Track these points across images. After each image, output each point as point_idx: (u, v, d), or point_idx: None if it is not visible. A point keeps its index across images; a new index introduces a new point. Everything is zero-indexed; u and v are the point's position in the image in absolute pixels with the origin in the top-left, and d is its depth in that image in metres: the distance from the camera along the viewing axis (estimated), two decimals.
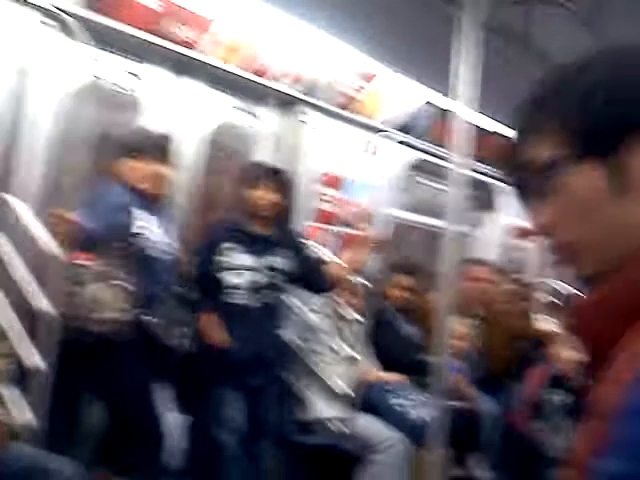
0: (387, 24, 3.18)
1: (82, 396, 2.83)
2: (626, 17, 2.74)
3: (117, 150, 2.99)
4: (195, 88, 3.72)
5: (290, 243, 3.48)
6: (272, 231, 3.39)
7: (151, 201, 2.99)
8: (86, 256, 2.65)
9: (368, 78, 4.10)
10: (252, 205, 3.34)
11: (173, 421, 3.16)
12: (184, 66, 3.60)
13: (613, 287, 0.74)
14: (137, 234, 2.85)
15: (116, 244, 2.74)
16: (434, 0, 3.01)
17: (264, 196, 3.33)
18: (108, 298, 2.66)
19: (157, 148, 3.02)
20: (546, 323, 4.80)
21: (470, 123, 2.55)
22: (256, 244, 3.34)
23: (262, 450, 3.41)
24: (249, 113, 4.01)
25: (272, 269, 3.35)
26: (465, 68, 2.47)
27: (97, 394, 2.84)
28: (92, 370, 2.69)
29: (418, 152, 4.72)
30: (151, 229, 2.91)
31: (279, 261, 3.38)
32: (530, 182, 0.82)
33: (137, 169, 2.94)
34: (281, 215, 3.42)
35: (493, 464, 3.98)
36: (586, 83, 0.78)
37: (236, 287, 3.26)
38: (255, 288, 3.29)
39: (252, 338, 3.24)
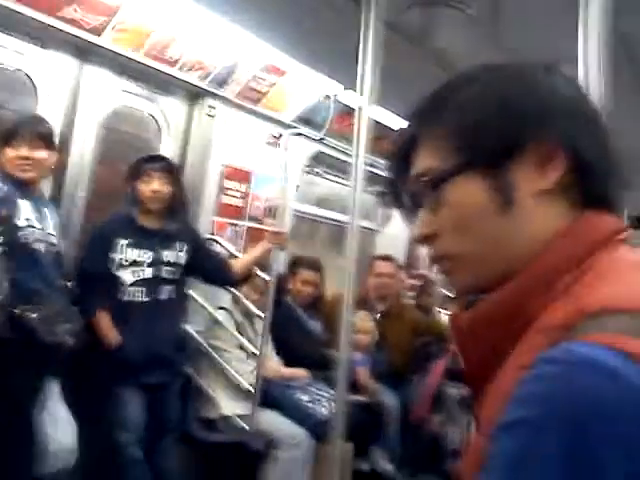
0: (297, 18, 3.16)
1: None
2: (524, 22, 2.83)
3: None
4: (99, 76, 3.57)
5: (187, 236, 3.42)
6: (166, 224, 3.33)
7: (32, 190, 2.85)
8: None
9: (277, 72, 4.07)
10: (144, 198, 3.27)
11: (61, 421, 3.02)
12: (88, 53, 3.45)
13: (496, 301, 0.74)
14: (17, 226, 2.69)
15: None
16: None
17: (155, 188, 3.27)
18: None
19: (32, 132, 2.84)
20: (446, 317, 4.93)
21: (372, 119, 2.56)
22: (150, 238, 3.28)
23: (163, 449, 3.34)
24: (151, 101, 3.89)
25: (168, 263, 3.29)
26: (366, 64, 2.49)
27: None
28: None
29: (321, 146, 4.74)
30: (33, 220, 2.76)
31: (175, 255, 3.33)
32: (415, 191, 0.82)
33: (13, 156, 2.78)
34: (175, 207, 3.36)
35: (395, 457, 4.05)
36: (472, 96, 0.78)
37: (130, 283, 3.18)
38: (150, 283, 3.23)
39: (149, 335, 3.17)
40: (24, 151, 2.79)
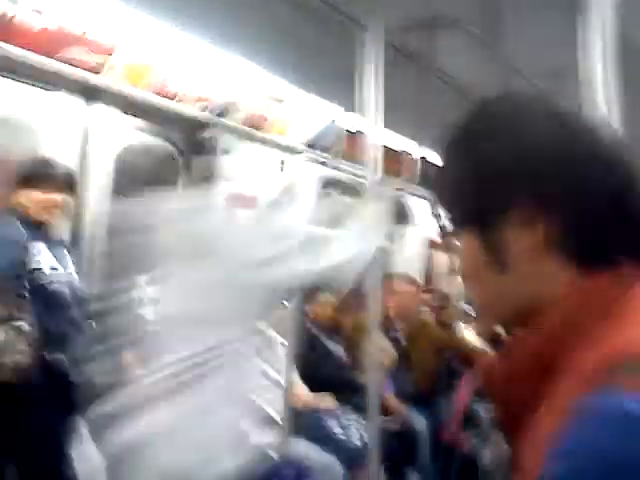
0: (295, 45, 3.19)
1: None
2: (527, 41, 2.84)
3: (12, 179, 2.81)
4: (104, 113, 3.59)
5: None
6: None
7: (49, 232, 2.85)
8: None
9: (280, 100, 4.09)
10: None
11: (95, 463, 3.00)
12: (91, 91, 3.47)
13: (527, 354, 0.74)
14: (36, 269, 2.67)
15: (14, 282, 2.57)
16: (338, 20, 3.05)
17: None
18: (9, 342, 2.48)
19: (60, 177, 2.87)
20: (468, 333, 4.88)
21: (377, 141, 2.57)
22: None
23: None
24: (159, 136, 3.91)
25: None
26: (369, 87, 2.49)
27: (7, 447, 2.61)
28: (2, 422, 2.50)
29: (329, 170, 4.74)
30: (52, 262, 2.75)
31: None
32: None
33: (37, 199, 2.77)
34: None
35: (428, 479, 3.98)
36: (468, 156, 0.79)
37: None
38: None
39: None
40: (52, 194, 2.79)
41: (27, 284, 2.61)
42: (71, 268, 2.86)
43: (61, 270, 2.78)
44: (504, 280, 0.77)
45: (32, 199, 2.77)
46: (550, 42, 3.12)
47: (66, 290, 2.77)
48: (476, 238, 0.78)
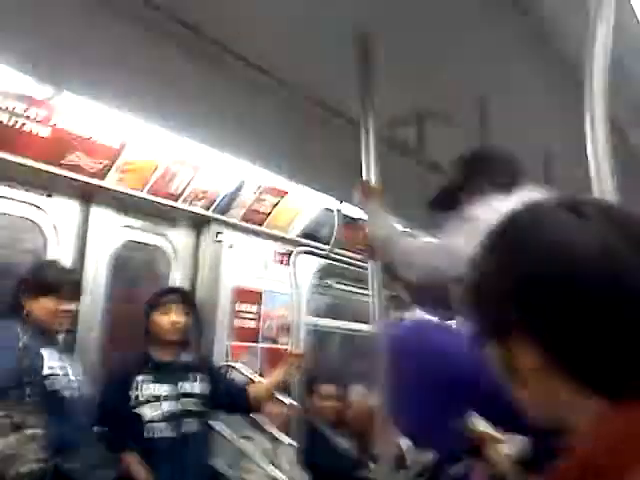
0: (289, 142, 3.28)
1: None
2: (514, 128, 2.93)
3: (20, 288, 2.82)
4: (102, 215, 3.63)
5: (203, 366, 3.44)
6: (181, 356, 3.35)
7: (54, 339, 2.86)
8: None
9: (278, 193, 4.17)
10: (161, 330, 3.31)
11: None
12: (93, 194, 3.53)
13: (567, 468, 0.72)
14: (48, 376, 2.66)
15: (26, 389, 2.55)
16: (336, 121, 3.16)
17: (174, 319, 3.32)
18: (25, 449, 2.45)
19: (72, 286, 2.92)
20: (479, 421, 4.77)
21: None
22: (167, 372, 3.27)
23: None
24: (159, 234, 3.95)
25: (187, 395, 3.26)
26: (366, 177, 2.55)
27: None
28: None
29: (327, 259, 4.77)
30: (57, 368, 2.73)
31: (192, 385, 3.31)
32: None
33: (51, 309, 2.79)
34: (189, 339, 3.43)
35: None
36: (482, 272, 0.83)
37: (154, 419, 3.13)
38: (173, 418, 3.17)
39: (178, 471, 3.09)
40: (66, 305, 2.83)
41: (39, 390, 2.60)
42: (73, 373, 2.83)
43: (64, 375, 2.76)
44: (520, 389, 0.79)
45: (46, 308, 2.79)
46: (537, 128, 3.22)
47: (70, 395, 2.74)
48: (496, 349, 0.80)
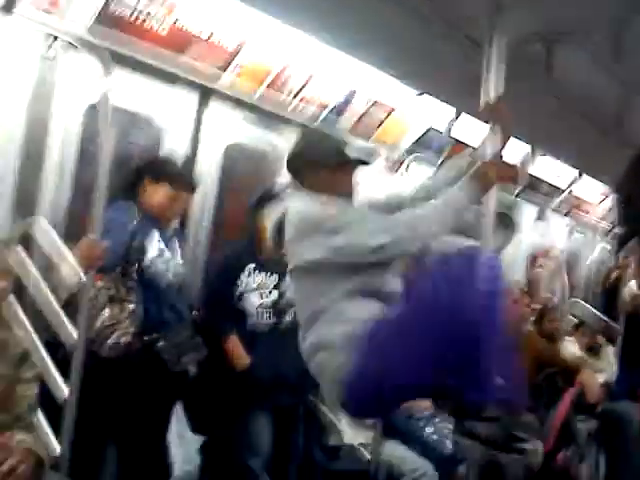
0: (413, 52, 3.19)
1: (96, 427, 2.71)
2: None
3: (137, 173, 2.93)
4: (220, 112, 3.71)
5: None
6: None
7: (165, 224, 2.96)
8: (99, 277, 2.62)
9: (389, 109, 4.14)
10: (263, 229, 3.32)
11: (190, 442, 3.12)
12: (209, 91, 3.61)
13: None
14: (153, 258, 2.81)
15: (129, 267, 2.72)
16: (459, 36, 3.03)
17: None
18: (116, 320, 2.64)
19: (188, 178, 3.02)
20: (572, 346, 4.73)
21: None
22: (276, 263, 3.31)
23: (289, 475, 3.37)
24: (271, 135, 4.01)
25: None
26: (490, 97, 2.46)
27: (106, 424, 2.74)
28: (102, 398, 2.63)
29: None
30: (162, 251, 2.86)
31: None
32: None
33: (166, 197, 2.88)
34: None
35: None
36: None
37: (260, 307, 3.24)
38: (278, 307, 3.27)
39: (277, 357, 3.20)
40: (179, 194, 2.92)
41: (137, 269, 2.75)
42: (178, 258, 2.97)
43: (168, 258, 2.88)
44: None
45: (161, 196, 2.88)
46: None
47: (170, 278, 2.87)
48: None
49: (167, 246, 2.91)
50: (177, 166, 3.05)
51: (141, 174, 2.91)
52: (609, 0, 2.66)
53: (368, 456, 3.45)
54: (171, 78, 3.44)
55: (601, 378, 4.34)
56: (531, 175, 5.61)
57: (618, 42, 2.88)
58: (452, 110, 4.25)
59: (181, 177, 2.96)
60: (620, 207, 0.85)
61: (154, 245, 2.84)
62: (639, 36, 2.77)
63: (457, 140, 4.43)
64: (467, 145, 3.54)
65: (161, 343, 2.78)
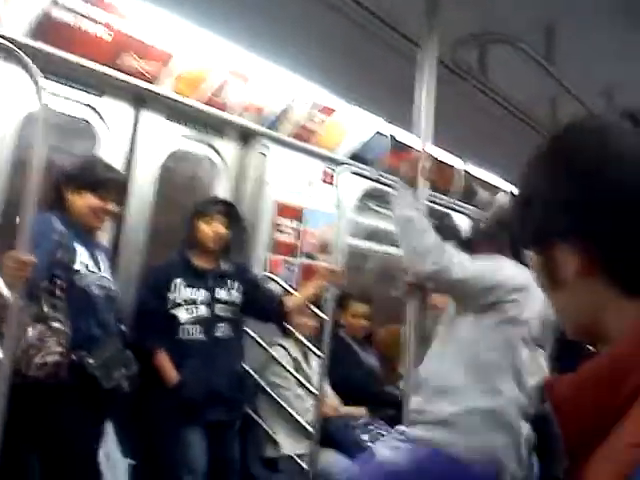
0: (345, 60, 3.21)
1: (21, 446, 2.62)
2: (579, 57, 2.82)
3: (65, 181, 2.83)
4: (153, 120, 3.66)
5: (241, 275, 3.50)
6: (220, 264, 3.42)
7: (91, 235, 2.88)
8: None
9: (328, 111, 4.14)
10: (204, 238, 3.35)
11: (119, 465, 3.04)
12: (143, 99, 3.55)
13: (597, 366, 0.74)
14: (74, 270, 2.70)
15: (54, 283, 2.61)
16: (395, 40, 3.06)
17: (217, 230, 3.36)
18: (42, 340, 2.52)
19: (116, 185, 2.93)
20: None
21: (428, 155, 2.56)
22: (205, 278, 3.34)
23: None
24: (206, 144, 3.97)
25: (222, 301, 3.35)
26: (422, 102, 2.50)
27: (33, 443, 2.66)
28: (30, 418, 2.55)
29: (372, 182, 4.75)
30: (89, 265, 2.77)
31: (228, 293, 3.38)
32: None
33: (92, 206, 2.80)
34: (230, 248, 3.46)
35: None
36: (539, 178, 0.83)
37: (188, 322, 3.23)
38: (206, 321, 3.27)
39: (208, 372, 3.20)
40: (107, 202, 2.83)
41: (64, 284, 2.64)
42: (108, 272, 2.88)
43: (95, 272, 2.79)
44: (559, 297, 0.83)
45: (87, 204, 2.80)
46: (602, 59, 3.10)
47: (98, 292, 2.78)
48: (538, 256, 0.83)
49: (94, 258, 2.82)
50: (101, 173, 2.89)
51: (63, 184, 2.82)
52: (541, 5, 2.75)
53: (305, 466, 3.45)
54: (105, 86, 3.37)
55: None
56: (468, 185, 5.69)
57: (550, 43, 2.96)
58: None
59: (104, 184, 2.84)
60: (519, 209, 0.88)
61: (80, 258, 2.74)
62: (569, 37, 2.87)
63: (404, 145, 4.43)
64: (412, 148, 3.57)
65: (90, 360, 2.68)
